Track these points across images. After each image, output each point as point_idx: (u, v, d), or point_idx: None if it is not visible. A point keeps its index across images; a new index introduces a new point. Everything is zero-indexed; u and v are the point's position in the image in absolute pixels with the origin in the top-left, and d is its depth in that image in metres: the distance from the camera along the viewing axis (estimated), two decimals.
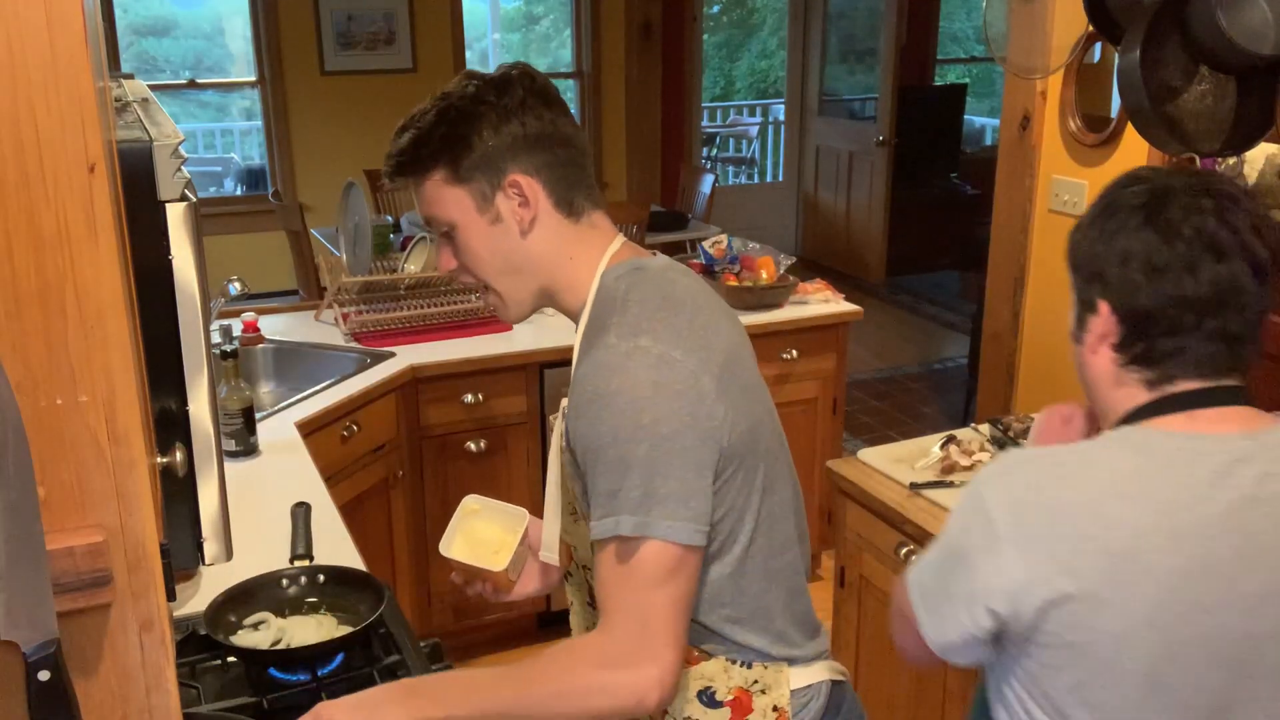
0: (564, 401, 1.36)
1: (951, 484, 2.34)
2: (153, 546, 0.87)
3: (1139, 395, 1.25)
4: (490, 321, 3.38)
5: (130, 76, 1.46)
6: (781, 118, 8.71)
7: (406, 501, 3.12)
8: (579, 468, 1.30)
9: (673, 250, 5.13)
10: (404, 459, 3.10)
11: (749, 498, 1.33)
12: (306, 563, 1.87)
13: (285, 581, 1.78)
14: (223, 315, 3.04)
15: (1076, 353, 1.32)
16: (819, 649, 1.44)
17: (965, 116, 8.25)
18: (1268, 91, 2.03)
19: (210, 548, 1.10)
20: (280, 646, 1.65)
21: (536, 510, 1.60)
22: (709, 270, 3.67)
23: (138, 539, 0.86)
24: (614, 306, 1.31)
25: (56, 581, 0.82)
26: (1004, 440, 2.50)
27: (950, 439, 2.45)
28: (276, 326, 3.34)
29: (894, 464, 2.40)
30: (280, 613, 1.73)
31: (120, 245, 0.84)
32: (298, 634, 1.67)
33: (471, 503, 1.62)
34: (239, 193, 7.69)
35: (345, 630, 1.67)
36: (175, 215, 0.99)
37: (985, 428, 2.58)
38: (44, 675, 0.81)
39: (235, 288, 2.68)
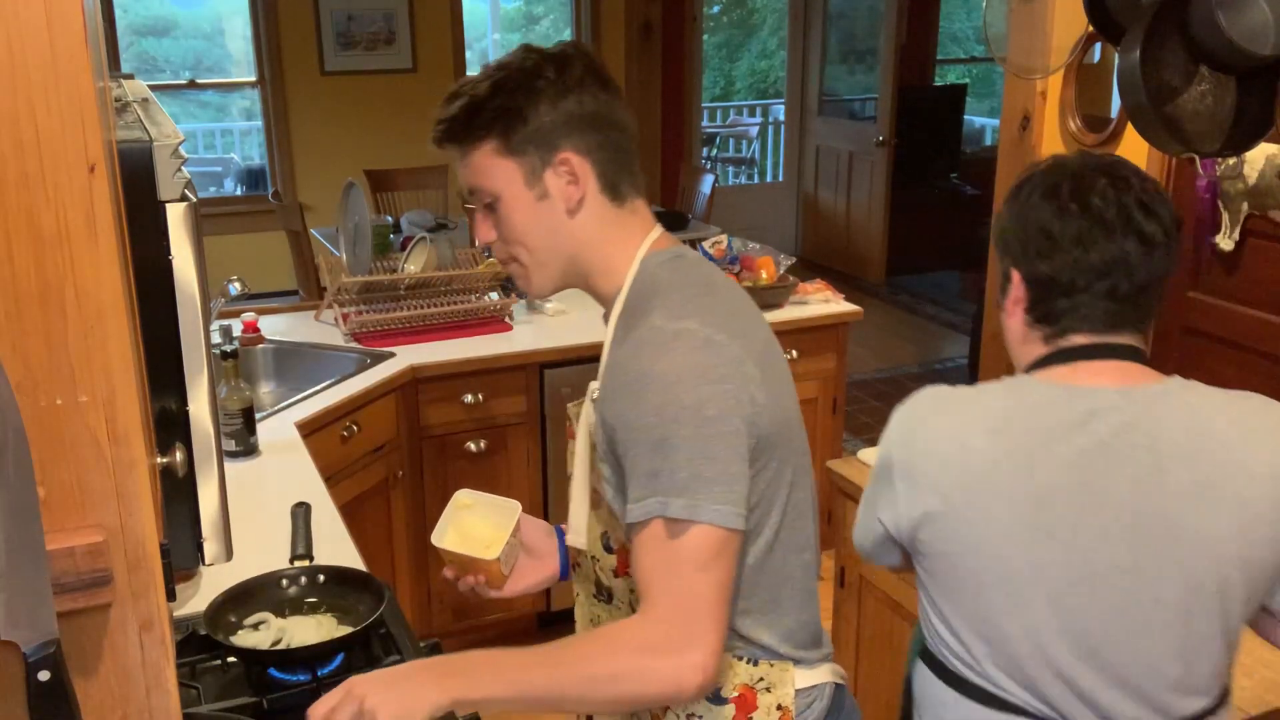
0: (592, 386, 1.36)
1: None
2: (153, 546, 0.87)
3: (1039, 349, 1.40)
4: (490, 321, 3.38)
5: (130, 76, 1.46)
6: (781, 118, 8.71)
7: (406, 501, 3.12)
8: (612, 451, 1.29)
9: None
10: (404, 459, 3.10)
11: (778, 490, 1.32)
12: (306, 563, 1.87)
13: (285, 581, 1.78)
14: (223, 315, 3.04)
15: (1000, 317, 1.46)
16: (824, 651, 1.44)
17: (965, 116, 8.25)
18: (1268, 91, 2.03)
19: (210, 548, 1.10)
20: (280, 646, 1.65)
21: (531, 507, 1.59)
22: None
23: (138, 539, 0.86)
24: (656, 290, 1.31)
25: (56, 581, 0.82)
26: None
27: None
28: (276, 326, 3.34)
29: None
30: (280, 613, 1.73)
31: (120, 245, 0.84)
32: (298, 634, 1.67)
33: (464, 497, 1.60)
34: (239, 193, 7.70)
35: (345, 630, 1.67)
36: (175, 215, 0.99)
37: None
38: (44, 675, 0.81)
39: (235, 288, 2.68)
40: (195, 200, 1.00)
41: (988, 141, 8.84)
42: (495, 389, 3.19)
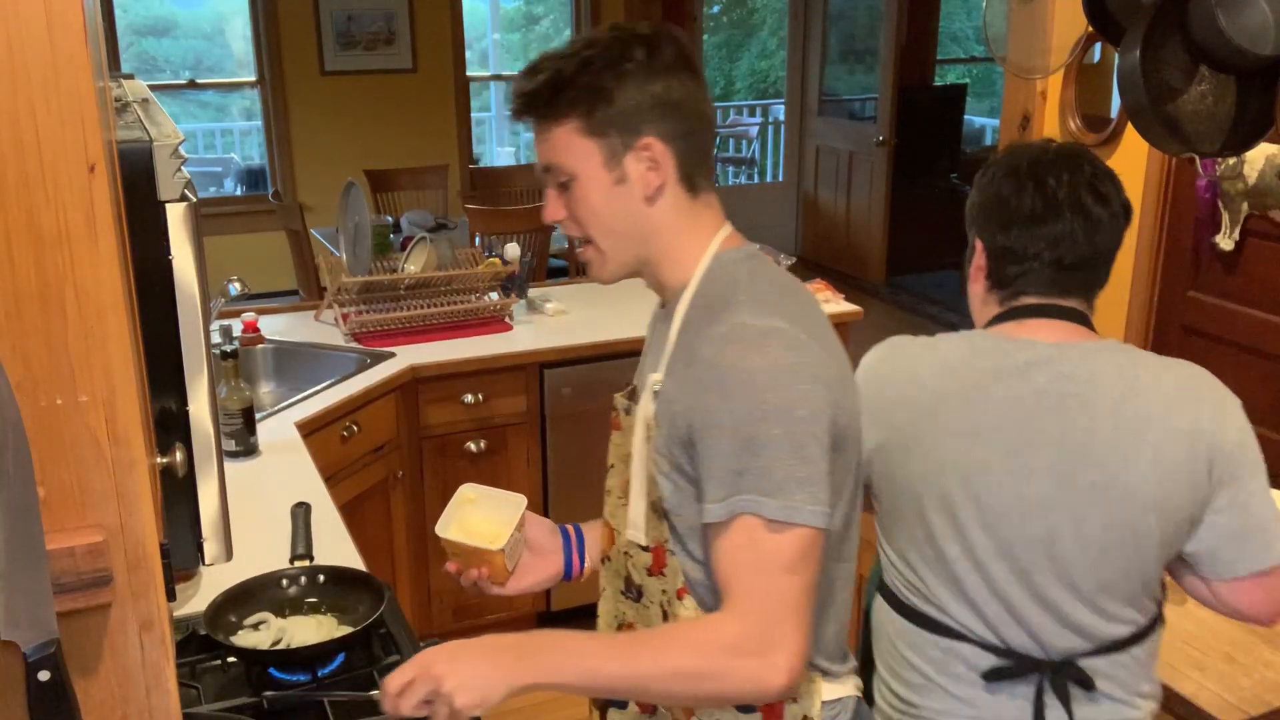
0: (653, 377, 1.33)
1: None
2: (153, 546, 0.87)
3: (994, 309, 1.57)
4: (490, 321, 3.38)
5: (130, 76, 1.46)
6: (781, 118, 8.71)
7: (406, 501, 3.12)
8: (682, 446, 1.27)
9: None
10: (404, 459, 3.10)
11: (840, 496, 1.30)
12: (306, 563, 1.87)
13: (285, 581, 1.78)
14: (223, 315, 3.04)
15: (967, 284, 1.61)
16: (851, 665, 1.42)
17: (965, 116, 8.24)
18: (1268, 91, 2.03)
19: (210, 548, 1.10)
20: (280, 646, 1.65)
21: (532, 507, 1.57)
22: None
23: (138, 539, 0.86)
24: (738, 287, 1.29)
25: (56, 581, 0.82)
26: None
27: None
28: (276, 326, 3.34)
29: None
30: (280, 613, 1.73)
31: (120, 245, 0.84)
32: (298, 634, 1.67)
33: (468, 491, 1.57)
34: (239, 193, 7.69)
35: (345, 630, 1.67)
36: (175, 215, 0.99)
37: None
38: (44, 675, 0.81)
39: (235, 288, 2.68)
40: (195, 200, 1.00)
41: (988, 141, 8.84)
42: (495, 389, 3.19)
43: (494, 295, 3.44)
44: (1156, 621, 1.55)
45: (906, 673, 1.59)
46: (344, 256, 3.43)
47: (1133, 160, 3.12)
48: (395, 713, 1.22)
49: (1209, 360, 3.08)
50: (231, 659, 1.66)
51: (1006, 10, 3.14)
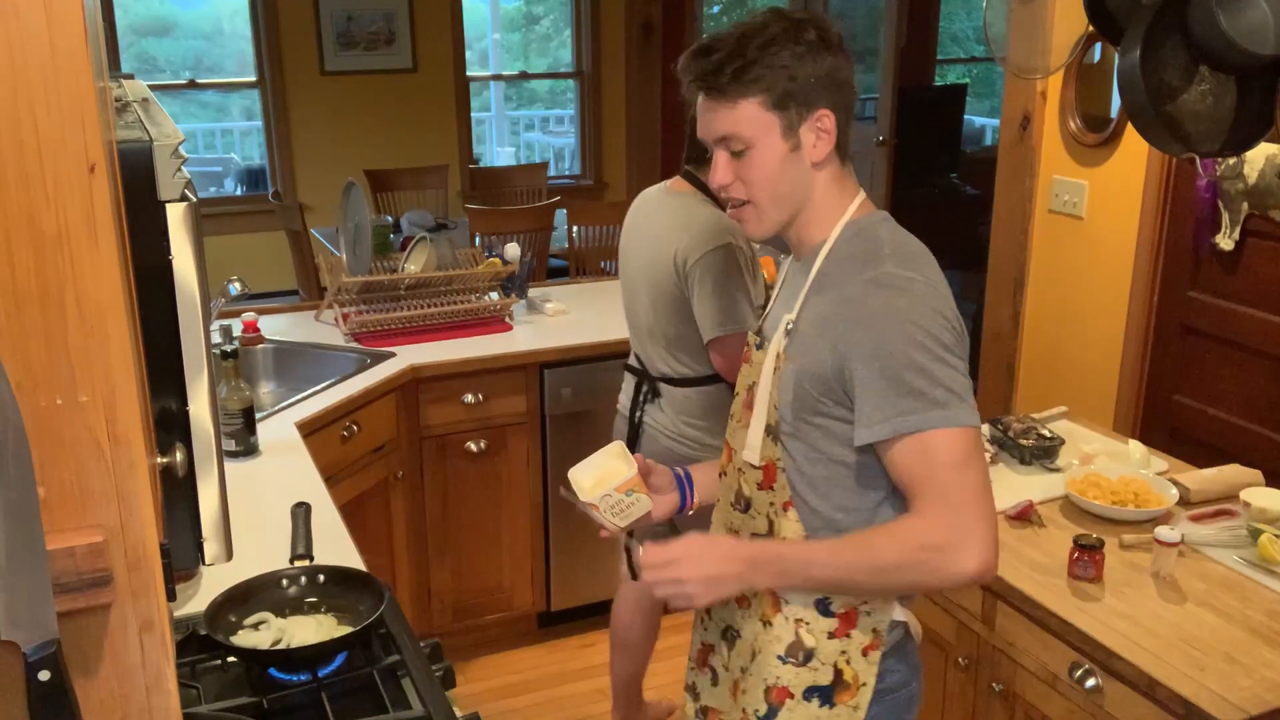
0: (787, 317, 1.51)
1: None
2: (153, 546, 0.87)
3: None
4: (490, 321, 3.38)
5: (130, 76, 1.46)
6: None
7: (406, 501, 3.12)
8: (826, 375, 1.43)
9: None
10: (404, 459, 3.10)
11: None
12: (306, 563, 1.87)
13: (285, 581, 1.78)
14: (223, 315, 3.04)
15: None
16: (914, 595, 1.62)
17: (965, 116, 8.24)
18: (1268, 91, 2.02)
19: (210, 548, 1.10)
20: (280, 646, 1.65)
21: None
22: None
23: (138, 539, 0.86)
24: (880, 245, 1.47)
25: (56, 581, 0.82)
26: (1004, 440, 2.50)
27: None
28: (276, 326, 3.34)
29: None
30: (280, 613, 1.73)
31: (120, 245, 0.84)
32: (298, 634, 1.67)
33: (617, 447, 1.73)
34: (239, 193, 7.69)
35: (345, 630, 1.67)
36: (175, 215, 0.99)
37: (985, 428, 2.58)
38: (44, 675, 0.81)
39: (235, 288, 2.67)
40: (195, 200, 1.00)
41: (988, 141, 8.84)
42: (495, 389, 3.19)
43: (494, 295, 3.44)
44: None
45: None
46: (344, 256, 3.43)
47: (1133, 160, 3.12)
48: (642, 582, 1.47)
49: (1209, 360, 3.10)
50: (231, 659, 1.66)
51: (1006, 10, 3.14)
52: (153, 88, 1.48)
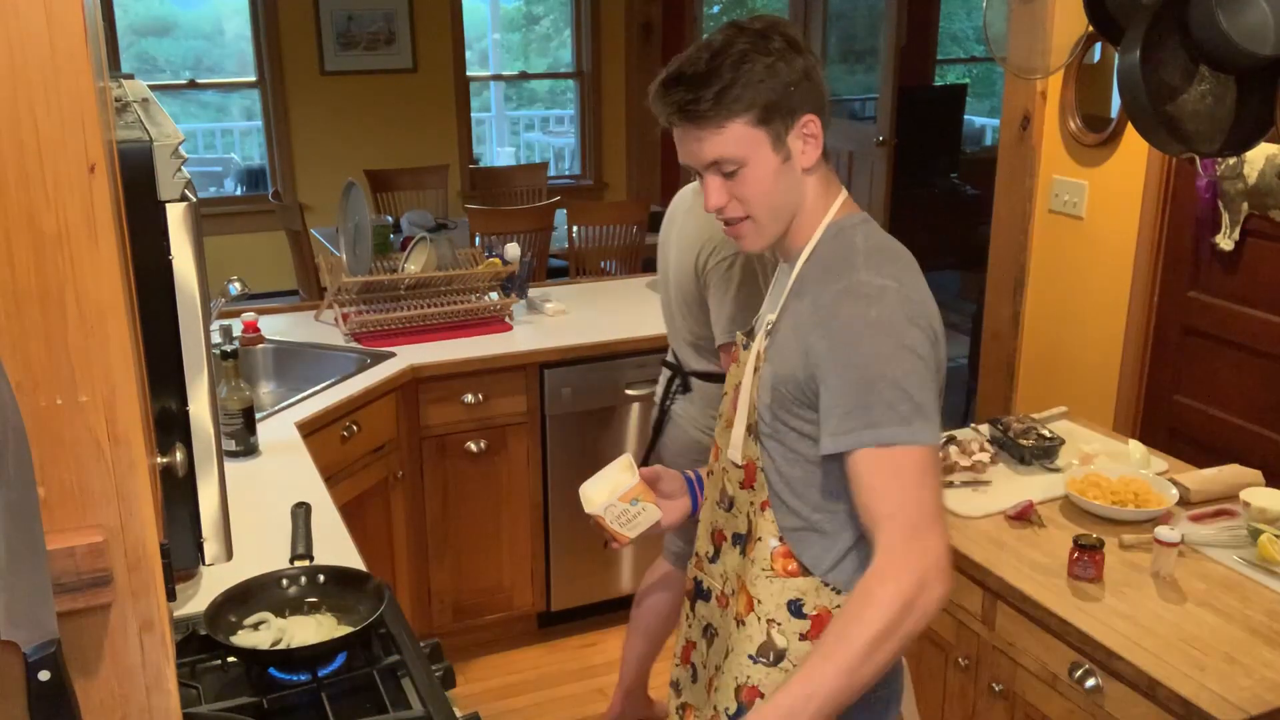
0: (768, 317, 1.51)
1: (952, 484, 2.34)
2: (153, 546, 0.87)
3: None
4: (490, 321, 3.38)
5: (130, 76, 1.46)
6: None
7: (406, 501, 3.12)
8: (797, 380, 1.43)
9: None
10: (404, 459, 3.10)
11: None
12: (306, 563, 1.87)
13: (285, 581, 1.78)
14: (223, 315, 3.04)
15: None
16: None
17: (965, 116, 8.24)
18: (1268, 91, 2.02)
19: (210, 548, 1.10)
20: (280, 646, 1.65)
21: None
22: None
23: (138, 539, 0.86)
24: (856, 250, 1.45)
25: (56, 581, 0.82)
26: (1004, 440, 2.50)
27: (950, 439, 2.45)
28: (276, 326, 3.34)
29: None
30: (280, 613, 1.73)
31: (120, 245, 0.84)
32: (298, 634, 1.67)
33: (626, 460, 1.71)
34: (239, 193, 7.69)
35: (345, 630, 1.67)
36: (175, 215, 0.99)
37: (985, 428, 2.58)
38: (44, 675, 0.81)
39: (235, 288, 2.67)
40: (195, 200, 1.00)
41: (988, 141, 8.83)
42: (495, 389, 3.19)
43: (494, 295, 3.44)
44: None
45: None
46: (344, 256, 3.43)
47: (1133, 160, 3.12)
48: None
49: (1209, 360, 3.10)
50: (231, 659, 1.66)
51: (1006, 10, 3.14)
52: (153, 88, 1.48)
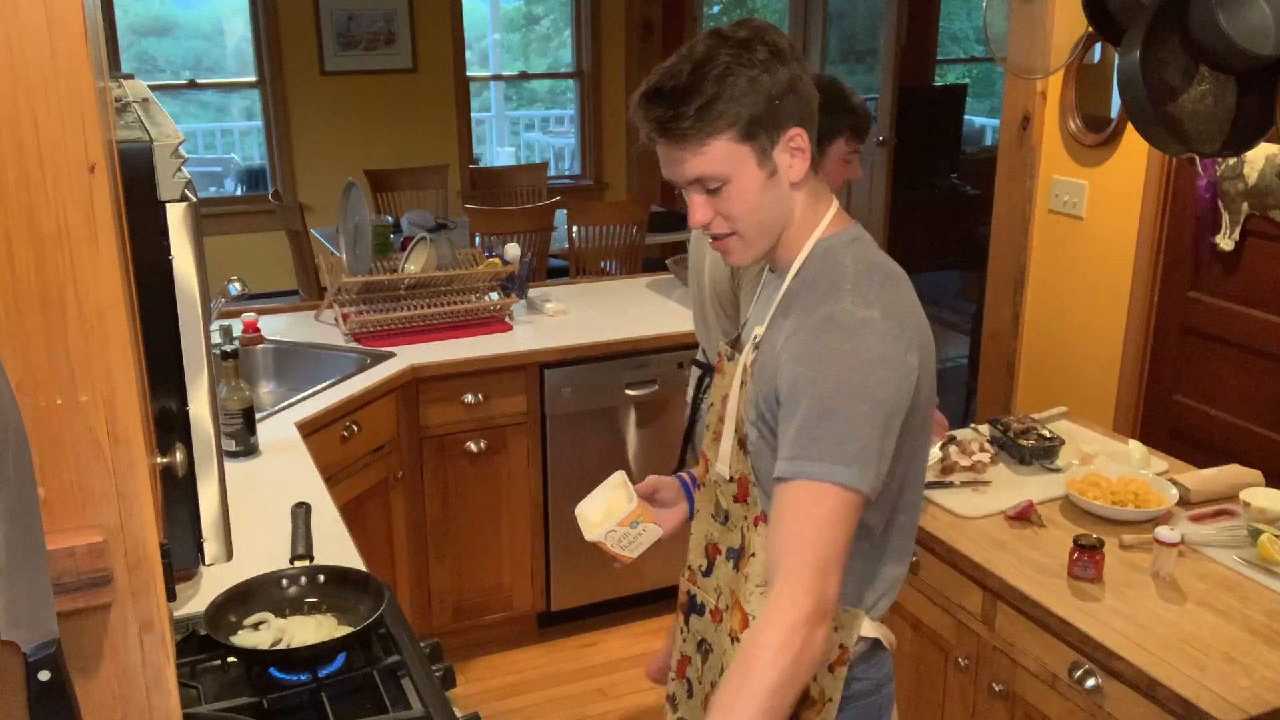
0: (757, 330, 1.47)
1: (952, 484, 2.34)
2: (153, 546, 0.87)
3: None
4: (490, 321, 3.38)
5: (130, 76, 1.46)
6: None
7: (406, 501, 3.12)
8: (768, 402, 1.41)
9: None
10: (404, 459, 3.10)
11: (913, 457, 1.45)
12: (306, 563, 1.87)
13: (285, 581, 1.78)
14: (223, 315, 3.04)
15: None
16: (888, 605, 1.56)
17: (965, 116, 8.24)
18: (1268, 91, 2.02)
19: (210, 548, 1.10)
20: (280, 647, 1.65)
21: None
22: None
23: (138, 539, 0.86)
24: (843, 273, 1.40)
25: (56, 581, 0.82)
26: (1004, 440, 2.50)
27: (950, 439, 2.45)
28: (276, 326, 3.34)
29: None
30: (280, 613, 1.73)
31: (120, 245, 0.84)
32: (298, 634, 1.67)
33: (619, 478, 1.70)
34: (239, 193, 7.69)
35: (345, 630, 1.67)
36: (175, 215, 0.99)
37: (985, 428, 2.58)
38: (44, 675, 0.81)
39: (235, 288, 2.67)
40: (195, 200, 1.00)
41: (988, 141, 8.83)
42: (495, 389, 3.19)
43: (494, 295, 3.44)
44: None
45: None
46: (344, 256, 3.43)
47: (1133, 160, 3.12)
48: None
49: (1209, 360, 3.10)
50: (231, 659, 1.66)
51: (1006, 10, 3.14)
52: (153, 88, 1.48)
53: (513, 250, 3.50)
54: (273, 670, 1.63)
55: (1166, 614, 1.90)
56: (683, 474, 1.75)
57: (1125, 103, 2.08)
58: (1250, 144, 2.12)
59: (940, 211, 7.63)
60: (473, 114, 7.41)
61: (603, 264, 5.18)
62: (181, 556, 1.08)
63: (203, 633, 1.67)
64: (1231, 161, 2.82)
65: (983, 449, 2.41)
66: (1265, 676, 1.73)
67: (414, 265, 3.47)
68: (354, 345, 3.20)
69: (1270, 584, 1.98)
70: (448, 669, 1.69)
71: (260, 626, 1.69)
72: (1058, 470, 2.42)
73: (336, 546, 2.05)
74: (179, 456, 1.00)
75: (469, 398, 3.15)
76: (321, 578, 1.79)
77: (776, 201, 1.42)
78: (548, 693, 3.22)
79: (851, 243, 1.45)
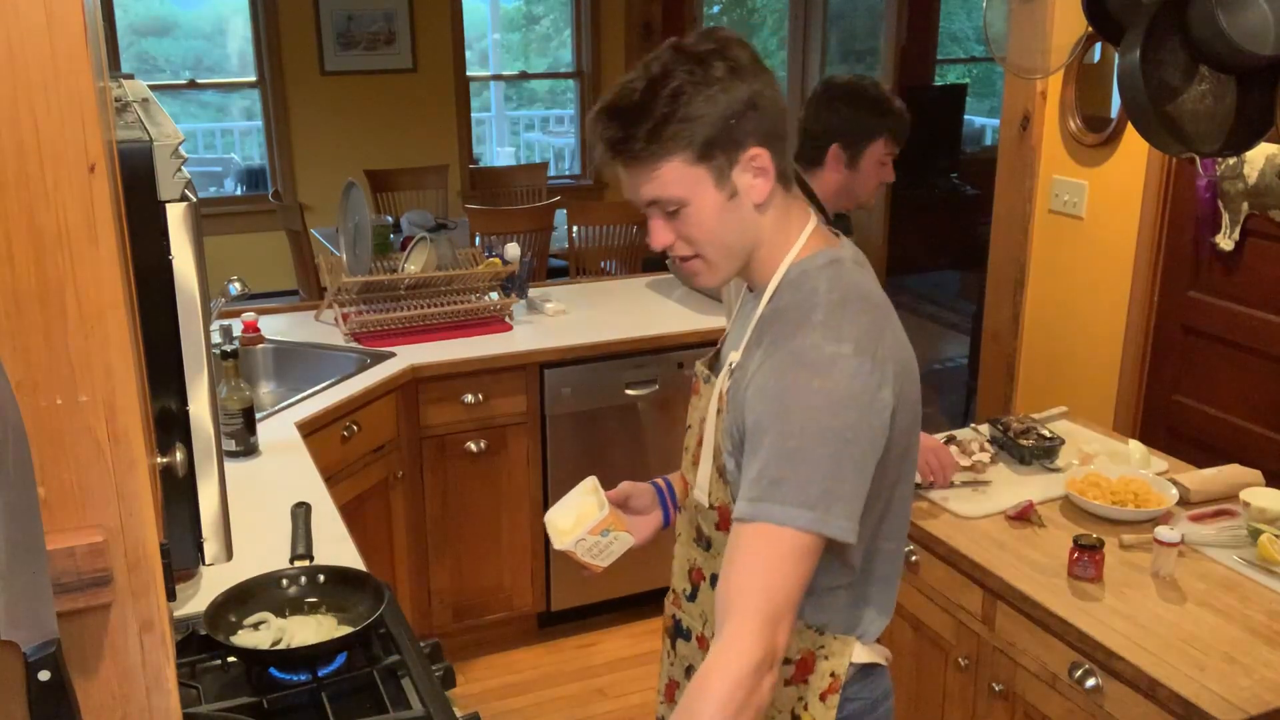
0: (733, 356, 1.41)
1: (952, 484, 2.34)
2: (153, 546, 0.87)
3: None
4: (490, 321, 3.38)
5: (130, 76, 1.46)
6: None
7: (406, 501, 3.12)
8: (739, 434, 1.35)
9: None
10: (404, 459, 3.10)
11: (895, 487, 1.40)
12: (306, 563, 1.87)
13: (285, 581, 1.78)
14: (223, 315, 3.04)
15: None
16: (881, 629, 1.51)
17: (965, 116, 8.23)
18: (1268, 91, 2.02)
19: (210, 548, 1.10)
20: (280, 646, 1.65)
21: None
22: None
23: (138, 539, 0.86)
24: (816, 303, 1.34)
25: (56, 581, 0.82)
26: (1004, 440, 2.50)
27: (950, 439, 2.45)
28: (276, 326, 3.34)
29: None
30: (280, 613, 1.73)
31: (120, 245, 0.84)
32: (298, 634, 1.67)
33: (590, 484, 1.66)
34: (239, 193, 7.69)
35: (345, 630, 1.67)
36: (175, 215, 0.99)
37: (985, 427, 2.58)
38: (44, 675, 0.81)
39: (235, 288, 2.68)
40: (195, 200, 1.00)
41: (988, 141, 8.83)
42: (495, 389, 3.19)
43: (494, 295, 3.44)
44: None
45: None
46: (344, 256, 3.43)
47: (1133, 160, 3.12)
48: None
49: (1209, 360, 3.10)
50: (231, 659, 1.66)
51: (1006, 10, 3.14)
52: (153, 88, 1.48)
53: (513, 250, 3.50)
54: (273, 670, 1.63)
55: (1166, 614, 1.90)
56: (658, 480, 1.70)
57: (1125, 103, 2.08)
58: (1250, 144, 2.12)
59: (940, 211, 7.62)
60: (473, 114, 7.41)
61: (603, 264, 5.18)
62: (181, 556, 1.08)
63: (203, 633, 1.67)
64: (1231, 161, 2.82)
65: (983, 449, 2.41)
66: (1265, 676, 1.73)
67: (414, 265, 3.47)
68: (354, 345, 3.20)
69: (1270, 584, 1.98)
70: (448, 669, 1.69)
71: (260, 626, 1.69)
72: (1058, 470, 2.42)
73: (336, 546, 2.05)
74: (179, 456, 1.00)
75: (469, 398, 3.15)
76: (321, 578, 1.79)
77: (739, 223, 1.35)
78: (547, 693, 3.22)
79: (827, 266, 1.38)
